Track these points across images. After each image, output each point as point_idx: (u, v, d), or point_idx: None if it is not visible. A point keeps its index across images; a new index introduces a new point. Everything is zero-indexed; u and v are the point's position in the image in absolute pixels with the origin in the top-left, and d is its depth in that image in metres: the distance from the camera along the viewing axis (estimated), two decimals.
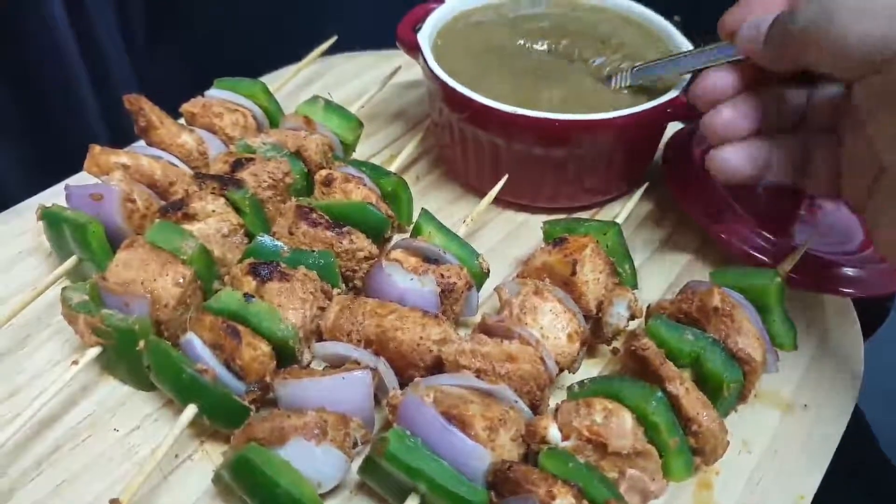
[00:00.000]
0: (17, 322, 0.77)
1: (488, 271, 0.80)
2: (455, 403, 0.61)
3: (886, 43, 0.59)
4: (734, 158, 0.72)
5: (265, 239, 0.77)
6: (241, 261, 0.76)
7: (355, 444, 0.65)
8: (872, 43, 0.59)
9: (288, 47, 1.15)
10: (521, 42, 0.98)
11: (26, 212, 0.92)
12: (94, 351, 0.71)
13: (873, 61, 0.60)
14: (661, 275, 0.89)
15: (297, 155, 0.87)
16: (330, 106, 0.95)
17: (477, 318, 0.77)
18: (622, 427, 0.60)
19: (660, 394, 0.62)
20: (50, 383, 0.68)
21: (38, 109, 1.21)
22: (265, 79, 1.01)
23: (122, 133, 0.97)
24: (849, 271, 0.83)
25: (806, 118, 0.74)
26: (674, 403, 0.63)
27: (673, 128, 1.01)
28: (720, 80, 0.74)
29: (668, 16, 0.99)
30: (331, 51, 1.13)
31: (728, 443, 0.66)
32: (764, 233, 0.85)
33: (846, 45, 0.61)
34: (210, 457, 0.69)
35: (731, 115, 0.72)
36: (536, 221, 0.87)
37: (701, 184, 0.91)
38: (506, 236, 0.94)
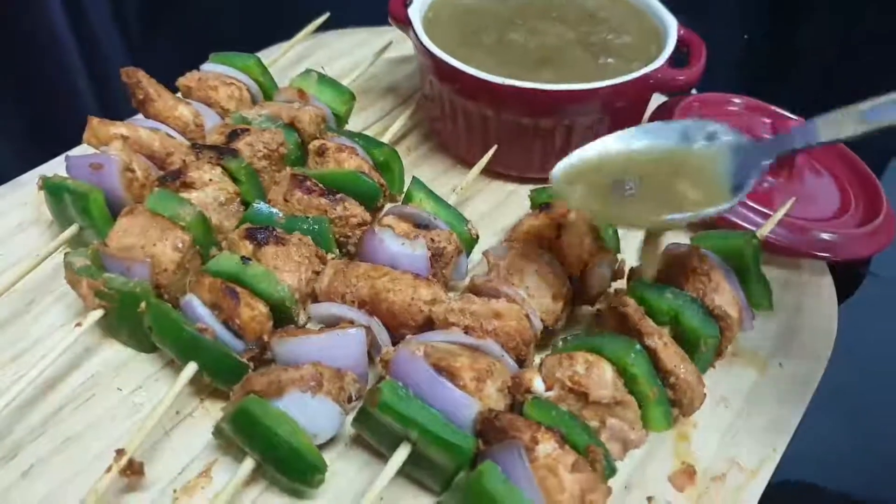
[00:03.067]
0: (21, 288, 0.80)
1: (477, 237, 0.83)
2: (444, 356, 0.64)
3: None
4: None
5: (261, 206, 0.80)
6: (238, 227, 0.79)
7: (350, 399, 0.68)
8: None
9: (282, 26, 1.17)
10: (511, 15, 1.00)
11: (26, 184, 0.94)
12: (97, 314, 0.73)
13: None
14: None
15: (291, 126, 0.90)
16: (323, 79, 0.97)
17: (466, 283, 0.79)
18: (603, 378, 0.63)
19: (639, 346, 0.65)
20: (54, 345, 0.71)
21: (32, 92, 1.22)
22: (259, 55, 1.03)
23: (117, 117, 0.99)
24: (824, 236, 0.86)
25: None
26: (652, 357, 0.66)
27: (658, 99, 1.03)
28: None
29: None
30: (323, 27, 1.15)
31: (705, 395, 0.69)
32: (744, 200, 0.88)
33: None
34: (209, 413, 0.72)
35: None
36: (524, 191, 0.90)
37: None
38: (495, 205, 0.96)
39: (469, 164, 0.94)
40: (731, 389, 0.76)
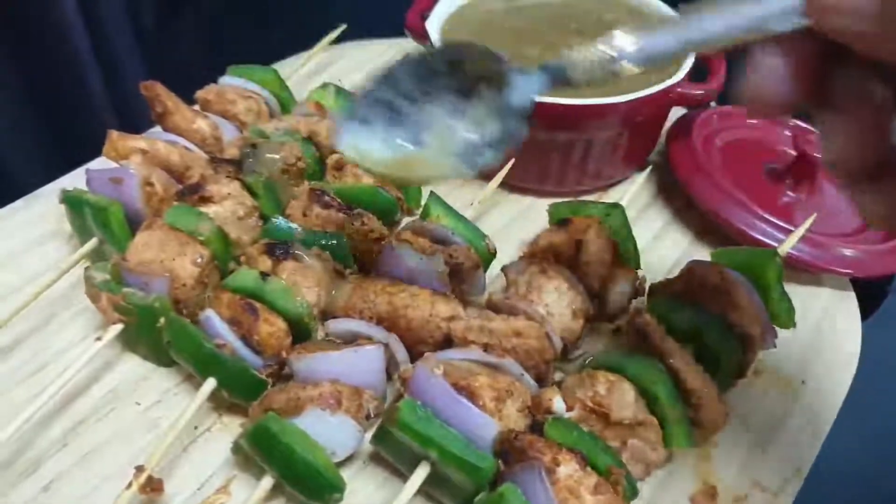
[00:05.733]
0: (42, 301, 0.80)
1: (495, 252, 0.83)
2: (464, 375, 0.64)
3: None
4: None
5: (279, 220, 0.80)
6: (255, 242, 0.79)
7: (368, 416, 0.68)
8: None
9: (298, 36, 1.17)
10: (528, 28, 1.00)
11: (46, 197, 0.95)
12: (117, 328, 0.74)
13: None
14: (664, 256, 0.91)
15: (310, 140, 0.90)
16: (341, 92, 0.97)
17: (484, 298, 0.79)
18: (624, 398, 0.63)
19: (661, 367, 0.64)
20: (74, 359, 0.71)
21: (46, 99, 1.23)
22: (276, 67, 1.04)
23: (131, 121, 1.00)
24: (847, 252, 0.85)
25: None
26: (674, 377, 0.65)
27: (677, 112, 1.03)
28: (780, 74, 0.44)
29: (674, 6, 1.01)
30: (340, 39, 1.15)
31: (727, 415, 0.68)
32: (765, 215, 0.87)
33: None
34: (228, 429, 0.72)
35: (843, 141, 0.44)
36: (542, 205, 0.89)
37: (703, 168, 0.94)
38: (512, 219, 0.96)
39: (486, 177, 0.94)
40: (753, 409, 0.75)
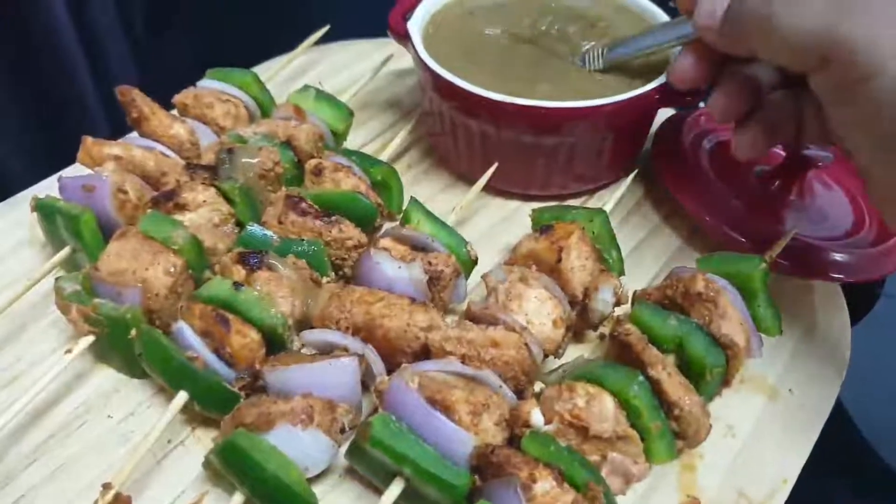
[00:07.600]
0: (13, 312, 0.78)
1: (476, 259, 0.81)
2: (439, 388, 0.62)
3: (825, 37, 0.55)
4: (745, 142, 0.76)
5: (255, 228, 0.78)
6: (231, 250, 0.77)
7: (343, 430, 0.66)
8: (809, 37, 0.56)
9: (284, 36, 1.16)
10: (513, 29, 0.98)
11: (21, 203, 0.93)
12: (88, 340, 0.72)
13: (816, 56, 0.57)
14: (651, 262, 0.89)
15: (288, 144, 0.88)
16: (321, 95, 0.95)
17: (465, 306, 0.77)
18: (604, 411, 0.61)
19: (641, 378, 0.63)
20: (45, 372, 0.69)
21: (37, 100, 1.22)
22: (259, 69, 1.02)
23: (123, 124, 0.98)
24: (837, 256, 0.83)
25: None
26: (656, 388, 0.64)
27: (663, 115, 1.01)
28: (690, 67, 0.77)
29: (661, 3, 0.99)
30: (323, 39, 1.14)
31: (710, 426, 0.66)
32: (754, 219, 0.86)
33: (783, 37, 0.58)
34: (201, 442, 0.71)
35: (723, 103, 0.75)
36: (526, 209, 0.88)
37: (691, 171, 0.92)
38: (496, 224, 0.94)
39: (470, 181, 0.92)
40: (738, 417, 0.74)
